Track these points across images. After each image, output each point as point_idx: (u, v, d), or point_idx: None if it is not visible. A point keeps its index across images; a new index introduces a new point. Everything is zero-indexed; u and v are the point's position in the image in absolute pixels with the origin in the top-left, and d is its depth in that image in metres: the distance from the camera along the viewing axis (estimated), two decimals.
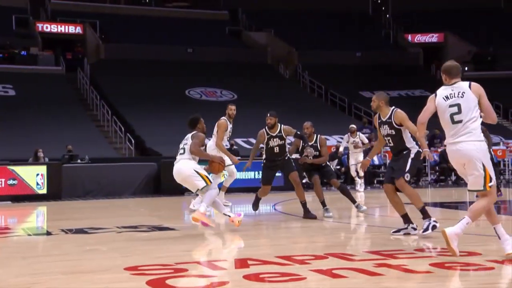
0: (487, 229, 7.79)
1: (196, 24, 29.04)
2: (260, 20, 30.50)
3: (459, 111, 4.91)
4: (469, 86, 5.03)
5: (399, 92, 26.48)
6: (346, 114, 24.70)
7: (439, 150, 16.84)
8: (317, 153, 8.52)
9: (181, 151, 7.16)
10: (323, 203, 8.43)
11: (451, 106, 4.97)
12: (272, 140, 8.14)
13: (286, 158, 8.24)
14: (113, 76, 24.28)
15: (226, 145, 9.90)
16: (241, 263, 4.92)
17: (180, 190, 13.58)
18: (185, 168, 6.99)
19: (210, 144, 9.62)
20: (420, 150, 6.21)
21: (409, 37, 31.39)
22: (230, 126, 9.61)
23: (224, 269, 4.75)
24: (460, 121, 4.89)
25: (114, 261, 5.15)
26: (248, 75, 25.88)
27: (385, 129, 6.38)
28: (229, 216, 7.14)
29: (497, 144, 18.63)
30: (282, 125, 8.19)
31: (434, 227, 6.26)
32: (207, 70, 25.74)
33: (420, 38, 31.33)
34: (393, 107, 6.41)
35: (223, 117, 9.63)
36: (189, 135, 7.21)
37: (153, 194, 13.58)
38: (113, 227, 7.56)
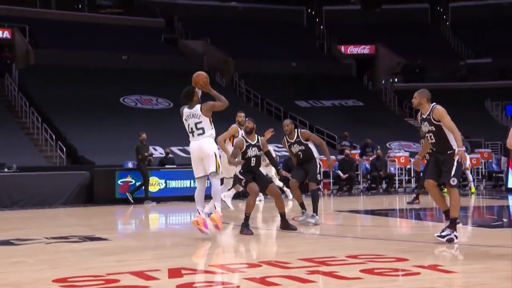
0: (416, 236, 8.06)
1: (132, 31, 28.62)
2: (197, 28, 30.43)
3: None
4: None
5: (332, 102, 27.07)
6: (281, 123, 25.01)
7: (371, 158, 17.31)
8: (303, 147, 8.37)
9: (200, 131, 7.03)
10: (302, 205, 8.37)
11: None
12: (250, 149, 7.65)
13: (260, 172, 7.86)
14: (43, 82, 23.52)
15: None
16: (175, 272, 4.86)
17: (113, 199, 13.35)
18: (209, 146, 6.99)
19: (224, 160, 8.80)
20: (463, 149, 6.21)
21: (342, 48, 32.21)
22: (241, 132, 9.14)
23: (157, 279, 4.67)
24: None
25: (43, 273, 4.96)
26: (184, 83, 25.64)
27: (426, 126, 6.33)
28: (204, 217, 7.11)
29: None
30: (260, 137, 7.90)
31: (450, 240, 6.23)
32: (142, 78, 25.39)
33: (352, 49, 32.20)
34: (434, 103, 6.36)
35: (234, 124, 9.42)
36: (191, 111, 7.08)
37: (85, 203, 13.23)
38: (41, 238, 7.28)
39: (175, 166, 15.30)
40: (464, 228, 7.85)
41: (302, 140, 8.41)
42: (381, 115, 26.17)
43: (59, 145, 19.14)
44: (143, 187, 13.43)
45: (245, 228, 7.41)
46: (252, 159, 7.61)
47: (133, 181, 13.63)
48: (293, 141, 8.48)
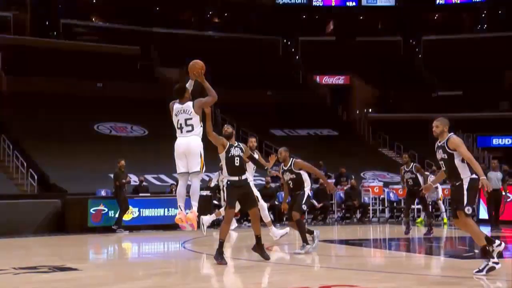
0: (389, 266, 8.10)
1: (107, 59, 28.59)
2: (173, 56, 30.56)
3: None
4: None
5: (308, 131, 27.29)
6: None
7: (345, 188, 17.41)
8: (294, 176, 8.45)
9: (189, 128, 7.03)
10: (305, 240, 8.34)
11: None
12: (233, 148, 7.48)
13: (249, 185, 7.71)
14: (15, 109, 23.26)
15: (250, 180, 9.43)
16: None
17: (85, 228, 13.13)
18: (196, 144, 7.00)
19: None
20: (474, 177, 6.15)
21: (318, 78, 32.65)
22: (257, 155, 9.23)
23: None
24: None
25: None
26: (160, 111, 25.65)
27: (439, 154, 6.37)
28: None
29: (398, 183, 19.53)
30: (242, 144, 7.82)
31: (491, 269, 6.02)
32: (117, 105, 25.30)
33: (328, 79, 32.67)
34: (451, 133, 6.43)
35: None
36: (182, 107, 7.09)
37: (57, 232, 12.98)
38: (9, 268, 7.11)
39: (149, 194, 15.18)
40: (436, 259, 7.92)
41: (293, 169, 8.52)
42: (356, 144, 26.47)
43: (31, 172, 18.86)
44: (118, 215, 13.25)
45: (219, 256, 7.32)
46: (236, 158, 7.48)
47: (106, 210, 13.46)
48: (286, 168, 8.60)
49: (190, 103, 7.11)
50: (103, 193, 15.29)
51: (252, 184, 8.82)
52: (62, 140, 21.31)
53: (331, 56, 32.99)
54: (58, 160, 19.68)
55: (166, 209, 13.97)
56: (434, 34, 34.67)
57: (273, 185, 16.67)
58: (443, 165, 6.36)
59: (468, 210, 6.09)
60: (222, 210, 9.75)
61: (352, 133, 28.60)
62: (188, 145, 7.01)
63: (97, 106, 24.89)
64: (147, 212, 13.97)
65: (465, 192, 6.12)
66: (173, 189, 15.66)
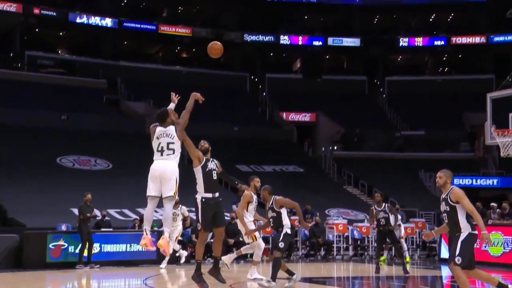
0: None
1: (73, 92, 28.39)
2: (140, 90, 30.55)
3: None
4: None
5: (273, 167, 27.40)
6: (222, 186, 24.99)
7: (310, 225, 17.46)
8: (275, 214, 8.49)
9: (170, 151, 7.00)
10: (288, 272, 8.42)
11: None
12: (210, 162, 7.45)
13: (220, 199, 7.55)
14: None
15: (250, 220, 9.34)
16: None
17: (44, 264, 12.78)
18: (173, 169, 6.95)
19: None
20: (473, 232, 6.28)
21: (284, 115, 33.02)
22: (255, 197, 9.35)
23: None
24: None
25: None
26: (125, 145, 25.52)
27: (443, 206, 6.49)
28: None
29: (362, 221, 19.72)
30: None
31: None
32: (81, 138, 25.01)
33: (294, 116, 33.06)
34: (453, 185, 6.55)
35: (247, 191, 9.31)
36: (165, 130, 7.08)
37: (13, 268, 12.59)
38: None
39: (111, 229, 14.93)
40: None
41: (275, 207, 8.55)
42: (321, 181, 26.68)
43: None
44: (79, 250, 12.96)
45: (198, 278, 7.26)
46: (213, 172, 7.44)
47: (66, 245, 13.16)
48: (268, 206, 8.67)
49: (173, 127, 7.13)
50: (63, 227, 14.96)
51: (251, 223, 8.93)
52: (23, 173, 20.87)
53: (297, 94, 33.48)
54: (18, 193, 19.23)
55: (128, 245, 13.74)
56: (397, 75, 35.63)
57: (238, 220, 16.60)
58: (445, 217, 6.50)
59: (458, 260, 6.24)
60: (243, 249, 9.67)
61: (317, 170, 28.85)
62: (165, 169, 6.97)
63: (60, 139, 24.56)
64: (108, 248, 13.71)
65: (459, 244, 6.29)
66: (136, 224, 15.45)
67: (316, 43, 35.32)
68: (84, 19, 31.40)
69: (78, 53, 32.49)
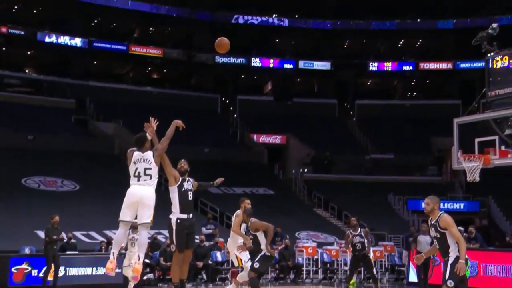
0: None
1: (40, 111, 27.97)
2: (109, 111, 30.30)
3: None
4: None
5: (244, 189, 27.33)
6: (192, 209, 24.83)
7: (279, 248, 17.43)
8: (251, 237, 8.48)
9: (147, 177, 6.88)
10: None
11: None
12: (186, 182, 7.44)
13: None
14: None
15: (239, 242, 9.11)
16: None
17: None
18: (151, 196, 6.84)
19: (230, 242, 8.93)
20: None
21: (255, 137, 33.11)
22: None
23: None
24: None
25: None
26: (93, 166, 25.19)
27: (432, 232, 6.58)
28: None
29: (332, 244, 19.77)
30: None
31: None
32: (48, 159, 24.60)
33: (264, 138, 33.18)
34: (442, 211, 6.64)
35: (239, 211, 9.16)
36: (143, 155, 6.99)
37: None
38: None
39: (76, 252, 14.64)
40: None
41: (250, 231, 8.57)
42: (291, 204, 26.72)
43: None
44: (43, 274, 12.65)
45: None
46: (189, 192, 7.40)
47: (29, 269, 12.84)
48: (245, 229, 8.70)
49: (150, 153, 7.08)
50: (27, 250, 14.61)
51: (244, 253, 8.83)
52: None
53: (268, 116, 33.67)
54: None
55: (94, 268, 13.48)
56: (367, 98, 36.17)
57: (207, 243, 16.48)
58: (436, 243, 6.65)
59: (450, 283, 6.37)
60: (239, 277, 9.47)
61: (287, 192, 28.91)
62: (143, 195, 6.89)
63: (25, 160, 24.12)
64: (73, 271, 13.43)
65: (449, 267, 6.44)
66: (103, 247, 15.18)
67: (287, 66, 35.69)
68: (53, 39, 31.13)
69: (46, 73, 32.11)
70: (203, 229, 17.39)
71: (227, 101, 36.13)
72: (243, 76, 37.48)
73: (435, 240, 6.70)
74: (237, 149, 31.25)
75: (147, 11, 32.95)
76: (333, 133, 33.28)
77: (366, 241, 11.73)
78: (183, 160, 7.77)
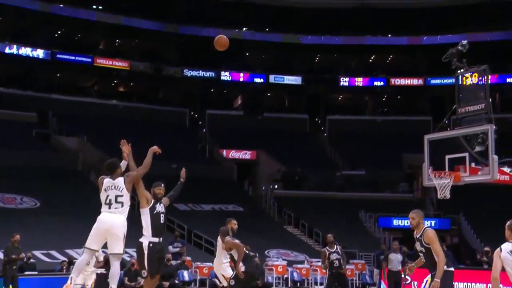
0: None
1: (0, 125, 27.41)
2: (73, 125, 29.88)
3: None
4: None
5: (212, 206, 27.21)
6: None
7: None
8: (229, 255, 8.78)
9: (118, 205, 6.80)
10: None
11: None
12: (159, 204, 7.33)
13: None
14: None
15: (226, 262, 9.19)
16: None
17: None
18: (121, 225, 6.78)
19: None
20: (448, 269, 6.52)
21: (224, 152, 33.05)
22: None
23: None
24: None
25: None
26: (55, 182, 24.74)
27: (418, 246, 6.76)
28: None
29: (302, 262, 19.77)
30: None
31: None
32: (6, 175, 24.03)
33: (234, 154, 33.14)
34: (426, 226, 6.81)
35: (224, 227, 9.20)
36: (114, 182, 6.88)
37: None
38: None
39: (36, 273, 14.31)
40: None
41: (227, 250, 8.79)
42: (261, 221, 26.66)
43: None
44: None
45: None
46: (161, 215, 7.35)
47: None
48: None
49: (121, 179, 7.00)
50: None
51: (227, 266, 8.96)
52: None
53: (238, 131, 33.66)
54: None
55: None
56: (338, 114, 36.52)
57: (174, 262, 16.31)
58: (422, 257, 6.84)
59: None
60: None
61: (257, 209, 28.87)
62: (113, 224, 6.82)
63: None
64: None
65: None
66: (64, 267, 14.88)
67: (257, 80, 35.86)
68: (13, 50, 30.67)
69: (6, 85, 31.50)
70: (170, 247, 17.20)
71: (196, 116, 36.03)
72: (212, 90, 37.48)
73: (421, 254, 6.89)
74: (206, 165, 31.12)
75: (113, 22, 32.76)
76: (304, 148, 33.43)
77: (342, 258, 11.66)
78: (162, 185, 7.65)
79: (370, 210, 27.78)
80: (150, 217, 7.26)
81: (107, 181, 7.00)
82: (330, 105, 38.00)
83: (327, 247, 11.70)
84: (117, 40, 35.66)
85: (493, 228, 6.57)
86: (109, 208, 6.89)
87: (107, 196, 6.93)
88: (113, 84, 36.03)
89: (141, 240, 7.30)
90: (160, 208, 7.36)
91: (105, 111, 31.60)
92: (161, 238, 7.32)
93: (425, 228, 6.83)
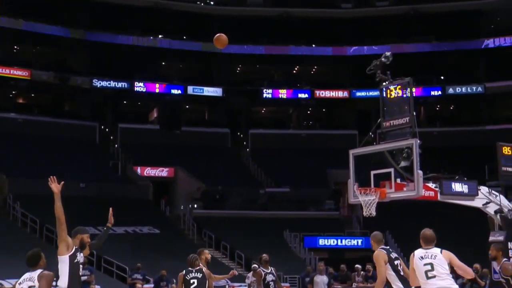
0: None
1: None
2: None
3: (432, 269, 6.59)
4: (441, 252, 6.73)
5: (125, 228, 26.66)
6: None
7: None
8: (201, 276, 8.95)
9: None
10: None
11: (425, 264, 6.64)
12: (79, 254, 6.84)
13: None
14: None
15: None
16: None
17: None
18: None
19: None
20: None
21: (139, 170, 32.53)
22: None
23: None
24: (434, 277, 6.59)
25: None
26: None
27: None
28: None
29: (223, 287, 19.75)
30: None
31: None
32: None
33: (150, 171, 32.71)
34: (379, 248, 7.47)
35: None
36: (32, 275, 6.23)
37: None
38: None
39: None
40: None
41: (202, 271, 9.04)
42: (179, 244, 26.40)
43: None
44: None
45: None
46: (81, 266, 6.94)
47: None
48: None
49: (39, 271, 6.31)
50: None
51: None
52: None
53: (154, 146, 33.29)
54: None
55: None
56: (261, 128, 36.92)
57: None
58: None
59: None
60: None
61: (175, 231, 28.60)
62: None
63: None
64: None
65: None
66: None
67: (174, 91, 35.69)
68: None
69: None
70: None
71: (107, 130, 35.32)
72: (125, 102, 36.93)
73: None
74: (118, 183, 30.53)
75: (11, 27, 31.65)
76: (225, 165, 33.52)
77: (276, 281, 11.62)
78: (85, 232, 7.12)
79: (295, 229, 28.15)
80: (69, 266, 6.69)
81: (25, 275, 6.39)
82: (253, 119, 38.38)
83: (261, 268, 11.50)
84: (15, 47, 34.48)
85: (419, 245, 6.90)
86: None
87: None
88: (11, 95, 34.72)
89: None
90: (80, 258, 6.81)
91: (1, 125, 30.38)
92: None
93: (376, 251, 7.49)
